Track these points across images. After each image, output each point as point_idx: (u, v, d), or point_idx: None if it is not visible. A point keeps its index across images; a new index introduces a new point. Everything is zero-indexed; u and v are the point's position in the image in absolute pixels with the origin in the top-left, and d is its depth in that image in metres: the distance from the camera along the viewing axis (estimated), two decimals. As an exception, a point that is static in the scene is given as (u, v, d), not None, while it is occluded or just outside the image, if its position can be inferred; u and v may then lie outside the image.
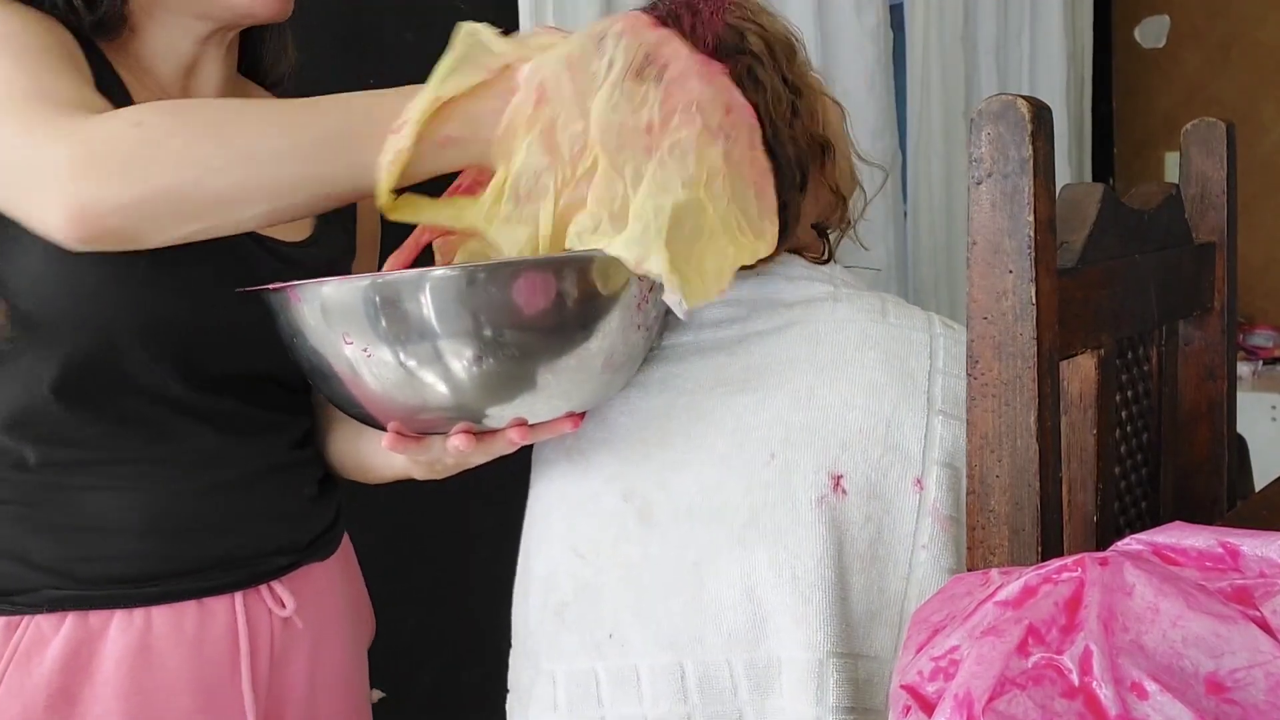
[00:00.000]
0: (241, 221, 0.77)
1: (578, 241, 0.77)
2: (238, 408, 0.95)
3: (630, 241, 0.75)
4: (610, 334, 0.82)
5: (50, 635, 0.88)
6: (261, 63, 1.07)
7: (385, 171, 0.75)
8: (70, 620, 0.88)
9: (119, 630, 0.90)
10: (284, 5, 0.94)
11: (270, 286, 0.82)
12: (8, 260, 0.85)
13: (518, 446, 0.85)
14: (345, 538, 1.10)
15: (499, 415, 0.82)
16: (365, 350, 0.78)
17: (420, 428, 0.84)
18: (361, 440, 1.00)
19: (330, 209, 0.80)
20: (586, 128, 0.76)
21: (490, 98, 0.77)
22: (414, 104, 0.76)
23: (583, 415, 0.87)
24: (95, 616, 0.89)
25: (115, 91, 0.89)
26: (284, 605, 0.98)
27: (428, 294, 0.76)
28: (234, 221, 0.77)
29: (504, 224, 0.79)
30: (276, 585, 0.98)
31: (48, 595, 0.88)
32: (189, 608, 0.92)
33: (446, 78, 0.77)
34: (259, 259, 0.94)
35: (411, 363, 0.78)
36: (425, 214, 0.83)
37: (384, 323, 0.77)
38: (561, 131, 0.76)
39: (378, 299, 0.77)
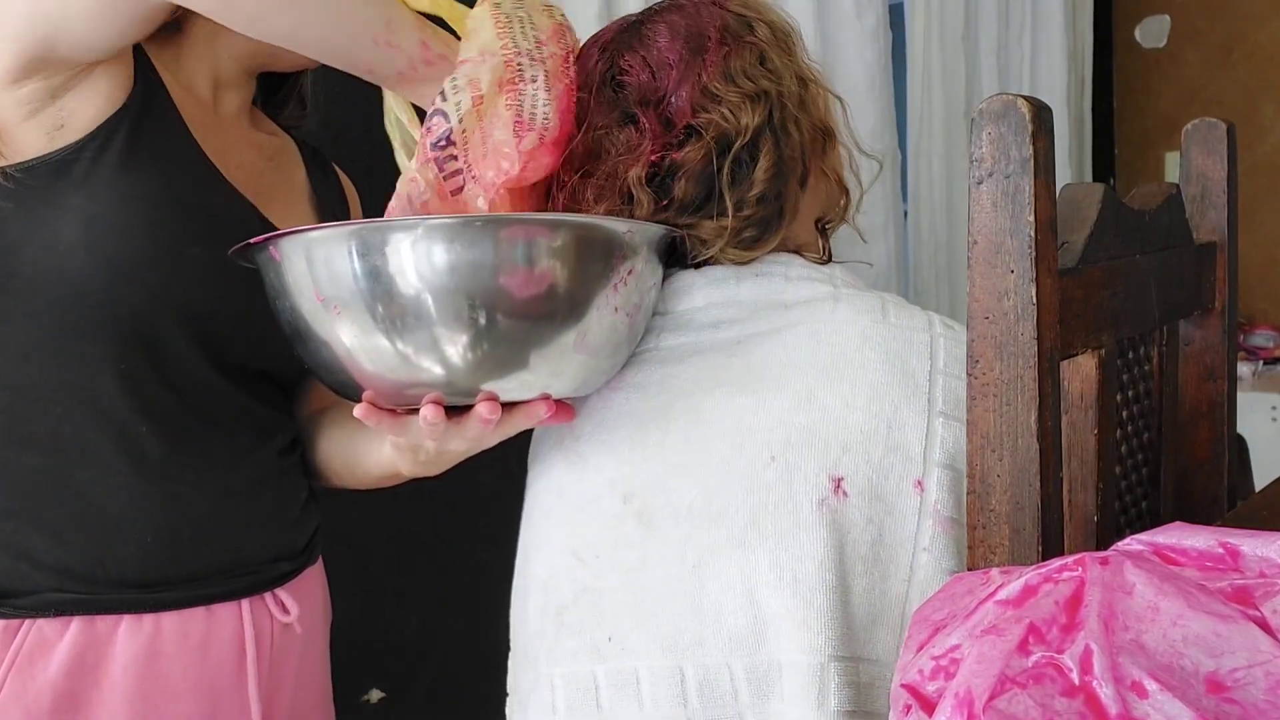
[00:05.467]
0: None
1: None
2: (248, 403, 0.96)
3: None
4: (582, 309, 0.82)
5: (55, 639, 0.87)
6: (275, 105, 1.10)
7: None
8: (76, 624, 0.88)
9: (127, 635, 0.89)
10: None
11: (250, 240, 0.82)
12: (45, 247, 0.85)
13: (491, 428, 0.83)
14: None
15: (467, 387, 0.81)
16: (335, 308, 0.79)
17: (393, 400, 0.83)
18: (355, 439, 1.00)
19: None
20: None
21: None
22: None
23: (562, 403, 0.86)
24: (103, 621, 0.88)
25: (156, 88, 0.90)
26: (287, 612, 0.99)
27: (397, 246, 0.77)
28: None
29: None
30: (280, 592, 0.99)
31: (52, 598, 0.87)
32: (197, 614, 0.92)
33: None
34: None
35: (378, 323, 0.78)
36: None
37: (357, 279, 0.78)
38: None
39: (349, 250, 0.78)
